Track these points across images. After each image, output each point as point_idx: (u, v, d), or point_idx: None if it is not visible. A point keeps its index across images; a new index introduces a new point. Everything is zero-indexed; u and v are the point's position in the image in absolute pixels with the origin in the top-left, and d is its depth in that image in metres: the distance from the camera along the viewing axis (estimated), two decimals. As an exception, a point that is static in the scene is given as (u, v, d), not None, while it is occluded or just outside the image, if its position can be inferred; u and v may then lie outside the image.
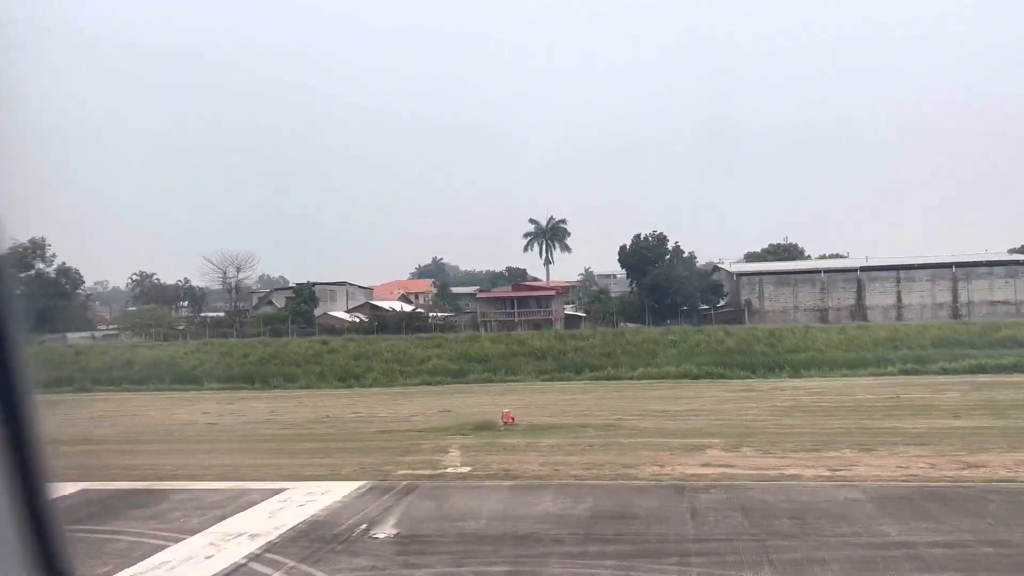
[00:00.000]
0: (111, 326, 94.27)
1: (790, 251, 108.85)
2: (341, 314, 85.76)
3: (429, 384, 47.13)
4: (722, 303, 71.59)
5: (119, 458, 22.20)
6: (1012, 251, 78.07)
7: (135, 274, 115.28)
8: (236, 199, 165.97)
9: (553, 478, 17.77)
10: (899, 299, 68.15)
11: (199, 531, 14.03)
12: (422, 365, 53.45)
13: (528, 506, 15.20)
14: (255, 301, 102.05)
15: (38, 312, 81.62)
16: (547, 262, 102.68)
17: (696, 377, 44.46)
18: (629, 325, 68.02)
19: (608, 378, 45.41)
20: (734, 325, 62.34)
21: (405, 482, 17.59)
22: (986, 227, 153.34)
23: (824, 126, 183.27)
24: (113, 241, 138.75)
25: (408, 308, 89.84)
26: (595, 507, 14.93)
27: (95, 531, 14.40)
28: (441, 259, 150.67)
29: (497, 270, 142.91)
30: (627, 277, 78.93)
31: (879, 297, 68.24)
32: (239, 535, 13.68)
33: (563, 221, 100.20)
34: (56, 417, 34.60)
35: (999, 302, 66.37)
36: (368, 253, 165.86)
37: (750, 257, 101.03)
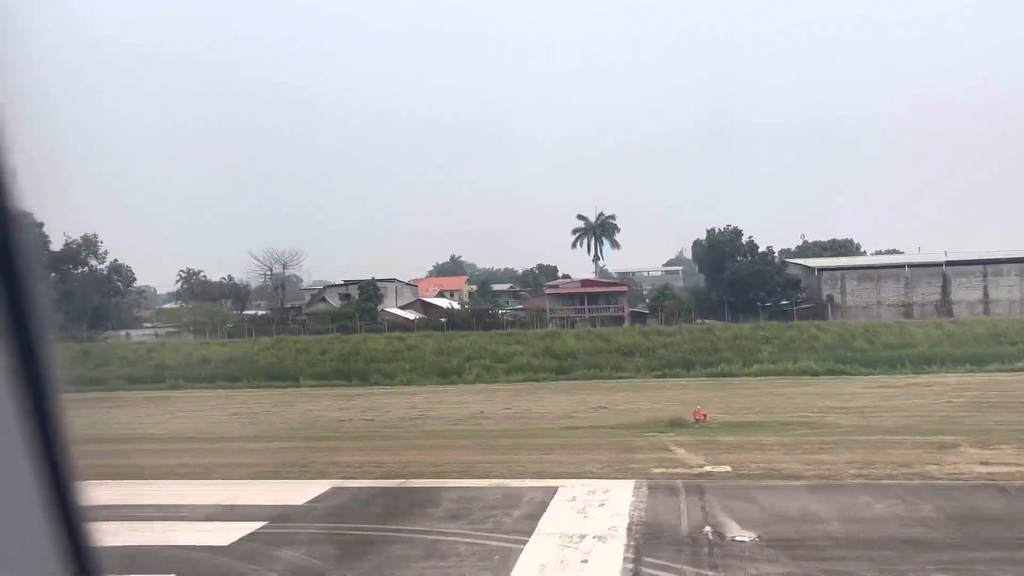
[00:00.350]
0: (157, 324, 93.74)
1: (846, 247, 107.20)
2: (395, 310, 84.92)
3: (535, 380, 46.11)
4: (800, 298, 70.12)
5: (335, 455, 21.18)
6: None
7: (182, 271, 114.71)
8: (236, 199, 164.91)
9: (833, 477, 16.65)
10: (986, 294, 66.47)
11: (530, 533, 13.01)
12: (511, 361, 52.58)
13: (856, 508, 14.10)
14: (307, 298, 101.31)
15: (93, 309, 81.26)
16: (596, 258, 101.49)
17: (815, 374, 43.24)
18: (705, 321, 66.68)
19: (723, 374, 44.22)
20: (816, 321, 61.01)
21: (680, 481, 16.52)
22: (987, 226, 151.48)
23: (823, 126, 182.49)
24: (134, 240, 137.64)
25: (455, 305, 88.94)
26: (941, 509, 13.79)
27: (403, 531, 13.45)
28: (459, 257, 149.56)
29: (513, 267, 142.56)
30: (699, 271, 77.60)
31: (965, 292, 66.58)
32: (582, 536, 12.65)
33: (612, 216, 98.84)
34: (213, 412, 33.52)
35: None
36: (369, 252, 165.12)
37: (802, 252, 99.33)
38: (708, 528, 12.99)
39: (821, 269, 69.71)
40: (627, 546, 12.11)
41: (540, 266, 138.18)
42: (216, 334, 73.92)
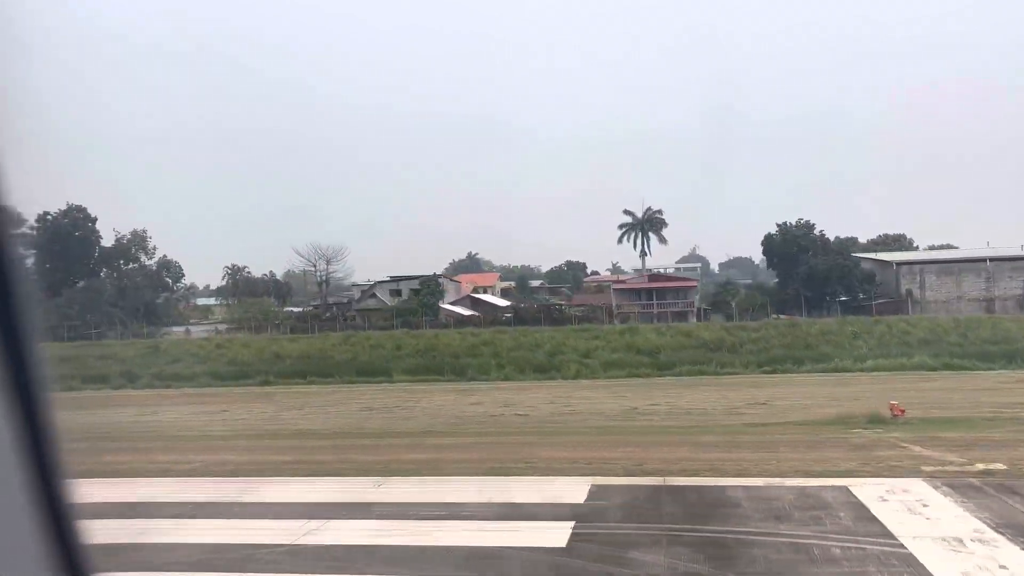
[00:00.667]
0: (203, 320, 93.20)
1: (899, 241, 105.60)
2: (450, 307, 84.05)
3: (636, 376, 45.08)
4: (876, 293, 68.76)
5: (539, 450, 20.15)
6: None
7: (227, 267, 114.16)
8: (237, 198, 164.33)
9: None
10: (1069, 289, 64.90)
11: (891, 536, 11.92)
12: (595, 357, 51.66)
13: None
14: (358, 295, 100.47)
15: (144, 305, 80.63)
16: (643, 253, 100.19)
17: (932, 368, 42.01)
18: (781, 316, 65.41)
19: (835, 370, 43.04)
20: (902, 316, 59.71)
21: (976, 479, 15.38)
22: (986, 222, 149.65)
23: (823, 125, 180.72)
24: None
25: (505, 302, 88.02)
26: None
27: (736, 532, 12.41)
28: (476, 254, 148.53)
29: (528, 264, 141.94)
30: (767, 267, 76.36)
31: (1044, 286, 65.03)
32: (958, 540, 11.56)
33: (660, 211, 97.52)
34: (350, 405, 32.56)
35: None
36: (370, 252, 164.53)
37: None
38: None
39: (900, 263, 68.28)
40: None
41: (569, 262, 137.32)
42: (268, 330, 73.03)
